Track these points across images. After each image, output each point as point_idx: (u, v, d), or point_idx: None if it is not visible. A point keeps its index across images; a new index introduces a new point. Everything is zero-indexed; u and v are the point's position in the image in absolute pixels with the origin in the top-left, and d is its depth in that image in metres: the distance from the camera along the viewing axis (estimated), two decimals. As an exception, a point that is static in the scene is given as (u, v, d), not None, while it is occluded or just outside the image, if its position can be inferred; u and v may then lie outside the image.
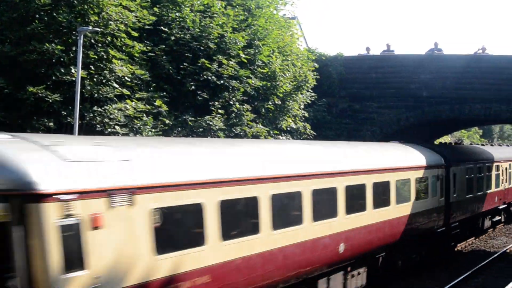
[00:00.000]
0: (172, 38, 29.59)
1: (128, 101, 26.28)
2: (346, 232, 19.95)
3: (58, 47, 24.14)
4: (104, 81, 25.77)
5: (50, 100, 23.80)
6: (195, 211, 13.52)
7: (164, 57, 29.01)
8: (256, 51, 33.19)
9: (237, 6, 33.55)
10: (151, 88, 28.16)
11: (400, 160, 25.69)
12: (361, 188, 21.26)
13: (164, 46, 29.12)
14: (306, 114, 37.01)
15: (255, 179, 15.56)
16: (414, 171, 26.40)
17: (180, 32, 29.82)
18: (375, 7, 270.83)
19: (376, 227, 22.22)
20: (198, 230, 13.65)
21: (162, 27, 29.50)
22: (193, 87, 29.49)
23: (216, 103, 29.78)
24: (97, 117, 25.25)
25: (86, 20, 25.29)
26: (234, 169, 15.22)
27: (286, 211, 17.37)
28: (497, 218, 41.80)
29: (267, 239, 15.86)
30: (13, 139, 11.41)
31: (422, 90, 39.59)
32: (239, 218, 15.58)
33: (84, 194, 10.85)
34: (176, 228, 13.55)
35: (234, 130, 29.77)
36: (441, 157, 30.35)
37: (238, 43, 31.18)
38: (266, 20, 34.78)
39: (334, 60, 41.89)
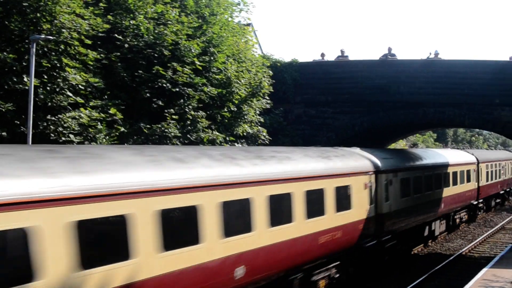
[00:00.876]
0: (126, 45, 29.45)
1: (82, 109, 26.07)
2: (247, 254, 17.01)
3: (10, 55, 23.90)
4: (57, 89, 25.54)
5: (3, 110, 23.52)
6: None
7: (118, 64, 28.86)
8: (211, 58, 33.17)
9: (192, 14, 33.52)
10: (106, 96, 27.99)
11: (311, 168, 22.15)
12: (245, 202, 17.30)
13: (118, 54, 28.97)
14: (262, 120, 37.05)
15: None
16: (333, 179, 23.17)
17: (134, 40, 29.70)
18: (329, 14, 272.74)
19: (271, 249, 18.45)
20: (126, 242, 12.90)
21: (116, 35, 29.34)
22: (148, 94, 29.38)
23: (171, 110, 29.70)
24: (51, 126, 25.02)
25: (39, 28, 25.07)
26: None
27: (179, 229, 14.78)
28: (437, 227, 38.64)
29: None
30: None
31: (376, 95, 39.87)
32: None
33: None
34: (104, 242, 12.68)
35: (189, 137, 29.70)
36: (371, 163, 27.65)
37: (193, 50, 31.13)
38: (220, 27, 34.79)
39: (288, 67, 42.01)
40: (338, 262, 24.00)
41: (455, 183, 40.99)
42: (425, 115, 39.49)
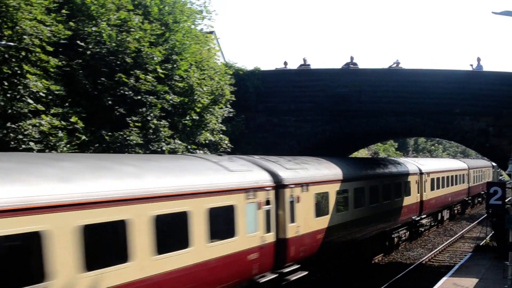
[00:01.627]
0: (88, 52, 29.20)
1: (43, 116, 25.80)
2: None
3: (-30, 62, 23.58)
4: (18, 96, 25.22)
5: (-38, 116, 23.23)
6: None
7: (80, 72, 28.62)
8: (174, 65, 33.06)
9: (155, 21, 33.38)
10: (67, 104, 27.72)
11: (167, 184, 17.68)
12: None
13: (80, 61, 28.74)
14: (224, 128, 37.03)
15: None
16: (201, 198, 18.84)
17: (96, 47, 29.47)
18: (292, 23, 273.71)
19: None
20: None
21: (78, 42, 29.09)
22: (110, 102, 29.16)
23: (134, 118, 29.54)
24: (11, 134, 24.71)
25: (-1, 34, 24.79)
26: None
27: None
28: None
29: None
30: None
31: (338, 104, 40.04)
32: None
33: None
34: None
35: (151, 147, 29.56)
36: (269, 175, 23.77)
37: (156, 58, 31.00)
38: (183, 34, 34.67)
39: (251, 75, 41.97)
40: None
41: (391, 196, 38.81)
42: (386, 124, 39.71)
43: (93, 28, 29.61)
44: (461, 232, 49.81)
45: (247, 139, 40.21)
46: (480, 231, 50.01)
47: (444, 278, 27.66)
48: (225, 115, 37.51)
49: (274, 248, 23.12)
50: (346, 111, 39.95)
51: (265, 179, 23.13)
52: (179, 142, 31.59)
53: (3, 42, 23.94)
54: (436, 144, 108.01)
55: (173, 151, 30.22)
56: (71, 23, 28.80)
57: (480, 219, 60.02)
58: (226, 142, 36.18)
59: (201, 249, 18.44)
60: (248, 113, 41.14)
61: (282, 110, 41.26)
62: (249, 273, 21.33)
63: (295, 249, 24.67)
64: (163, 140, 30.49)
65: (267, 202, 22.87)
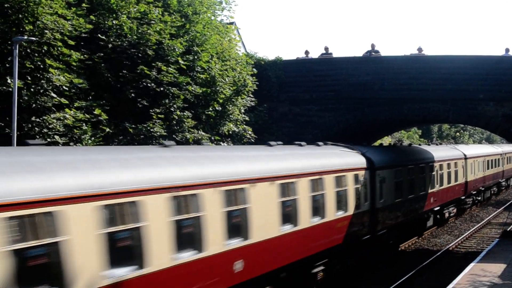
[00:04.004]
0: (110, 45, 29.31)
1: (67, 110, 25.93)
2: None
3: (-7, 57, 23.73)
4: (41, 90, 25.38)
5: (-13, 112, 23.40)
6: None
7: (102, 65, 28.72)
8: (195, 57, 33.10)
9: (174, 13, 33.41)
10: (90, 97, 27.85)
11: None
12: None
13: (102, 54, 28.84)
14: (247, 118, 37.04)
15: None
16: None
17: (117, 40, 29.57)
18: (313, 11, 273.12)
19: None
20: None
21: (99, 35, 29.19)
22: (132, 94, 29.27)
23: (157, 109, 29.62)
24: (36, 128, 24.87)
25: (21, 29, 24.86)
26: None
27: None
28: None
29: None
30: None
31: (361, 92, 39.87)
32: None
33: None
34: None
35: (175, 137, 29.63)
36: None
37: (177, 50, 31.04)
38: (204, 26, 34.70)
39: (273, 65, 41.95)
40: None
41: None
42: (409, 111, 39.51)
43: (114, 22, 29.74)
44: (487, 218, 49.44)
45: (270, 129, 40.17)
46: (507, 216, 49.65)
47: (472, 264, 27.43)
48: (247, 105, 37.49)
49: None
50: (369, 99, 39.77)
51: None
52: (203, 133, 31.64)
53: (25, 37, 24.04)
54: (462, 131, 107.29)
55: (197, 142, 30.23)
56: (91, 17, 28.91)
57: (506, 205, 59.63)
58: (249, 132, 36.18)
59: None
60: (270, 102, 41.10)
61: (304, 99, 41.16)
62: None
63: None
64: (187, 130, 30.54)
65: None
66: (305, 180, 21.98)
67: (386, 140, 68.51)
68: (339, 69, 41.03)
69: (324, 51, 43.60)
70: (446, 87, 37.99)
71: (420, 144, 61.06)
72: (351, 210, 26.09)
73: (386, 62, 40.46)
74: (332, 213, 24.16)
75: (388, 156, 32.79)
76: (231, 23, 43.20)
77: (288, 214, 20.82)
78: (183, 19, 33.64)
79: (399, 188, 32.49)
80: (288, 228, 20.71)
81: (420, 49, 42.19)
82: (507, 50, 40.11)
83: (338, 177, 24.97)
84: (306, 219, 21.83)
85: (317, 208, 22.93)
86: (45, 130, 24.91)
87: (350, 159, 27.31)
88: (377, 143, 54.64)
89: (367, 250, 29.08)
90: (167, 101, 30.32)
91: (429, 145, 55.72)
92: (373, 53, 41.93)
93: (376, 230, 29.05)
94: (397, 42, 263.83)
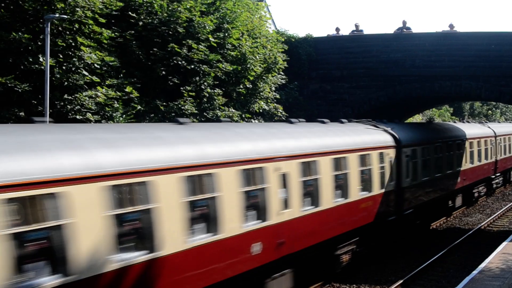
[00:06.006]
0: (140, 23, 29.37)
1: (98, 88, 26.06)
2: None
3: (25, 35, 23.82)
4: (73, 68, 25.51)
5: (20, 90, 23.54)
6: None
7: (133, 43, 28.80)
8: (226, 34, 33.04)
9: (205, -10, 33.37)
10: (121, 75, 27.96)
11: None
12: None
13: (132, 32, 28.90)
14: (278, 96, 36.99)
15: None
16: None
17: (148, 17, 29.60)
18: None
19: None
20: None
21: (129, 13, 29.25)
22: (163, 72, 29.33)
23: (187, 87, 29.67)
24: (68, 105, 25.03)
25: (53, 7, 24.93)
26: None
27: None
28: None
29: None
30: None
31: (392, 69, 39.65)
32: None
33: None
34: None
35: (206, 115, 29.68)
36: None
37: (207, 27, 31.00)
38: (234, 3, 34.60)
39: (303, 42, 41.81)
40: None
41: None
42: (441, 88, 39.22)
43: (144, -1, 29.72)
44: (520, 197, 49.16)
45: (300, 106, 40.09)
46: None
47: (504, 243, 27.22)
48: (278, 83, 37.42)
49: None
50: (400, 76, 39.53)
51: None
52: (234, 110, 31.66)
53: (57, 15, 24.13)
54: (494, 109, 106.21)
55: (228, 119, 30.24)
56: (122, -5, 28.93)
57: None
58: (280, 110, 36.12)
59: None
60: (301, 80, 41.01)
61: (335, 77, 41.03)
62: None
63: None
64: (218, 108, 30.57)
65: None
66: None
67: (417, 118, 68.13)
68: (370, 46, 40.82)
69: (354, 28, 43.37)
70: (478, 64, 37.64)
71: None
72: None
73: (418, 39, 40.15)
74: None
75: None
76: (261, 0, 43.08)
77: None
78: (213, -3, 33.59)
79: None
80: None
81: (451, 26, 41.79)
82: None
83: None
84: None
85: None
86: (78, 108, 25.07)
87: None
88: (409, 121, 54.38)
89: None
90: (197, 78, 30.35)
91: (462, 122, 54.81)
92: (405, 30, 41.62)
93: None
94: (428, 18, 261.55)
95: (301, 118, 25.33)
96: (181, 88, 29.50)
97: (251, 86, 34.26)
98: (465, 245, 30.73)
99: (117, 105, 26.18)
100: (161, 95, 29.23)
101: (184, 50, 29.75)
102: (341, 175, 22.28)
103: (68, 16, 25.06)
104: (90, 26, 26.38)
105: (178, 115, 27.99)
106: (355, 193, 23.32)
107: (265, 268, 17.74)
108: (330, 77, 41.13)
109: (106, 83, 26.75)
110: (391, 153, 26.95)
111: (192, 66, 30.09)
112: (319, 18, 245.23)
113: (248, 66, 33.65)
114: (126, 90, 27.10)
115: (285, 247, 18.55)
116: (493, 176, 48.37)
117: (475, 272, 21.56)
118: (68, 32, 25.78)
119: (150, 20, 29.57)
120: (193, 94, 29.52)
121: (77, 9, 25.57)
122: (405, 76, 39.46)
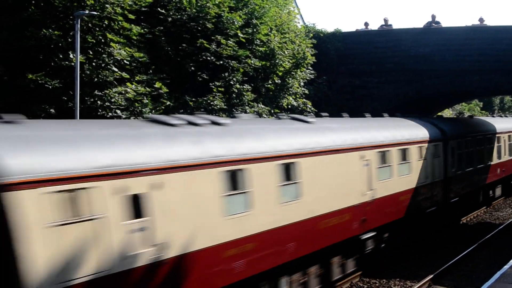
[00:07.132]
0: (170, 19, 29.48)
1: (128, 84, 26.21)
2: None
3: (56, 32, 24.01)
4: (103, 65, 25.67)
5: (50, 86, 23.73)
6: None
7: (162, 39, 28.92)
8: (254, 30, 33.06)
9: (233, -14, 33.40)
10: (150, 71, 28.09)
11: None
12: None
13: (161, 28, 29.02)
14: (307, 91, 36.96)
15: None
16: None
17: (177, 13, 29.71)
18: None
19: None
20: None
21: (159, 9, 29.37)
22: (192, 68, 29.44)
23: (216, 83, 29.74)
24: (98, 101, 25.20)
25: (82, 4, 25.07)
26: None
27: None
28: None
29: None
30: None
31: (421, 64, 39.45)
32: None
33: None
34: None
35: (235, 110, 29.74)
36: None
37: (236, 23, 31.05)
38: (262, -2, 34.62)
39: (332, 37, 41.78)
40: None
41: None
42: (471, 83, 38.98)
43: (173, -5, 29.83)
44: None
45: (330, 101, 40.03)
46: None
47: (536, 238, 27.11)
48: (306, 78, 37.39)
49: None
50: (429, 71, 39.31)
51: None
52: (262, 106, 31.70)
53: (87, 12, 24.29)
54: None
55: (257, 114, 30.29)
56: (151, -9, 29.05)
57: None
58: (309, 106, 36.09)
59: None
60: (329, 75, 40.97)
61: (363, 72, 40.93)
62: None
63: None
64: (247, 104, 30.63)
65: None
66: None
67: (447, 113, 67.67)
68: (399, 41, 40.66)
69: (383, 23, 43.22)
70: (508, 58, 37.28)
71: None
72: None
73: (447, 33, 39.90)
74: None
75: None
76: (290, -5, 43.01)
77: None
78: (241, -8, 33.61)
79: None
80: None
81: (481, 20, 41.50)
82: None
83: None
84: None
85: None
86: (107, 104, 25.24)
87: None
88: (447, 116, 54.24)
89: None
90: (226, 74, 30.42)
91: (493, 116, 55.28)
92: (434, 24, 41.37)
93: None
94: (458, 12, 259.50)
95: (331, 113, 25.74)
96: (210, 84, 29.58)
97: (279, 81, 34.27)
98: (495, 240, 30.51)
99: (147, 101, 26.32)
100: (190, 91, 29.33)
101: (213, 46, 29.83)
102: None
103: (98, 13, 25.21)
104: (120, 23, 26.53)
105: (207, 111, 28.07)
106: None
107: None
108: (359, 72, 41.05)
109: (136, 79, 26.88)
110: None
111: (221, 62, 30.16)
112: (348, 13, 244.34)
113: (277, 61, 33.66)
114: (156, 86, 27.22)
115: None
116: None
117: (506, 266, 21.39)
118: (97, 29, 25.94)
119: (179, 16, 29.67)
120: (222, 89, 29.60)
121: (107, 5, 25.72)
122: (434, 70, 39.24)
